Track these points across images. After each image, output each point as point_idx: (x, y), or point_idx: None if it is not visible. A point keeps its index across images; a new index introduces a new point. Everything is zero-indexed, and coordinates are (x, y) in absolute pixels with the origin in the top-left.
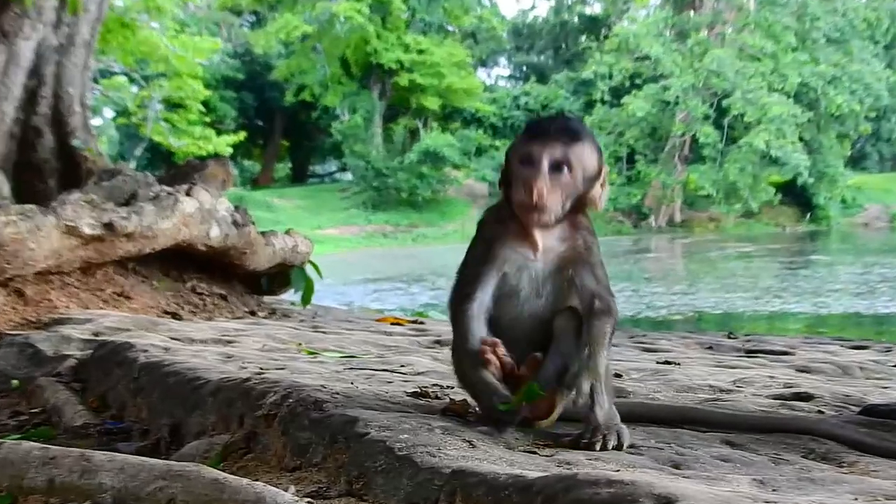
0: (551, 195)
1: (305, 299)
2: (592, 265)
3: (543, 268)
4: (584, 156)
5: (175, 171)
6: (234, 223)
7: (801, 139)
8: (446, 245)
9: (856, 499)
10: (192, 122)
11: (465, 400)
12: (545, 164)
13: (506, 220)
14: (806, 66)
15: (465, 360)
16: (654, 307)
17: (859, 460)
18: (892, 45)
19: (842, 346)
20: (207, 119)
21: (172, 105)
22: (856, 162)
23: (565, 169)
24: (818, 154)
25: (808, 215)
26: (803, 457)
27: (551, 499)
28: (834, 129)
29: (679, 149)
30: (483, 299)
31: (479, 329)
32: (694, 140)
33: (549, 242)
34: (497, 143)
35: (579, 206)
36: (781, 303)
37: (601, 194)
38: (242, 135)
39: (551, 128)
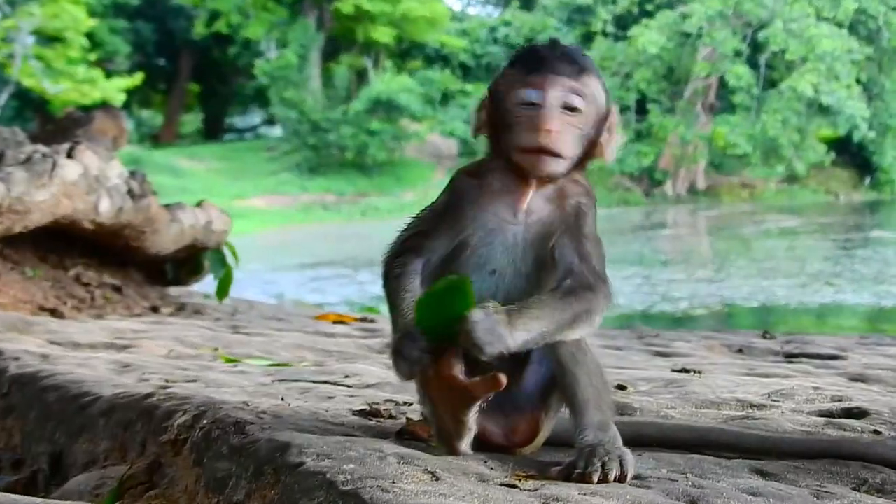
0: (563, 137)
1: (221, 292)
2: (581, 236)
3: (524, 234)
4: (595, 91)
5: (52, 125)
6: (130, 193)
7: (858, 82)
8: (404, 220)
9: None
10: (72, 60)
11: (426, 419)
12: (553, 101)
13: (485, 175)
14: None
15: (394, 329)
16: (671, 299)
17: None
18: None
19: None
20: (93, 57)
21: (47, 38)
22: None
23: (577, 107)
24: (880, 101)
25: (868, 180)
26: (854, 489)
27: None
28: None
29: (703, 95)
30: (431, 260)
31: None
32: (722, 84)
33: (536, 203)
34: (468, 87)
35: (583, 158)
36: (834, 292)
37: (609, 141)
38: (139, 77)
39: (553, 57)
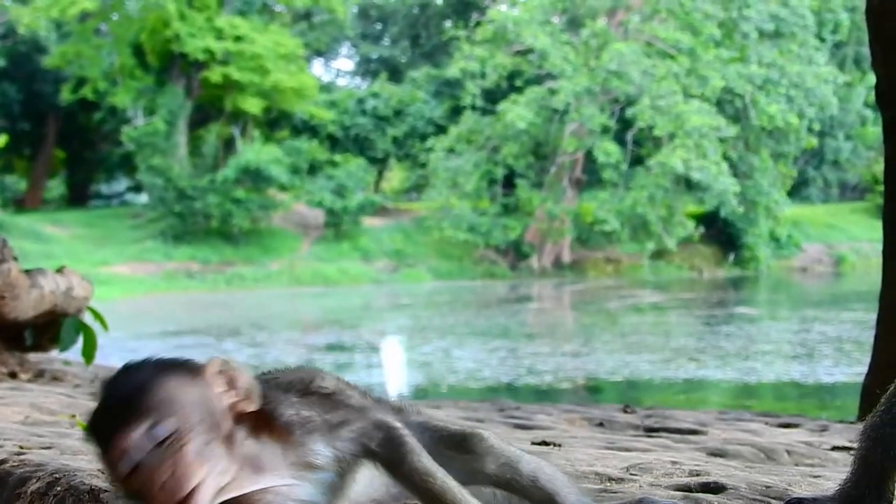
0: (184, 472)
1: (87, 355)
2: None
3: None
4: (176, 400)
5: None
6: None
7: (726, 159)
8: (270, 289)
9: None
10: None
11: None
12: (138, 453)
13: None
14: (732, 66)
15: None
16: (536, 372)
17: None
18: (843, 44)
19: (766, 423)
20: None
21: None
22: (792, 190)
23: (169, 435)
24: (748, 179)
25: (732, 256)
26: None
27: None
28: (767, 146)
29: (570, 170)
30: None
31: None
32: (590, 159)
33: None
34: (336, 157)
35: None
36: (697, 368)
37: (240, 398)
38: (2, 140)
39: (109, 418)
